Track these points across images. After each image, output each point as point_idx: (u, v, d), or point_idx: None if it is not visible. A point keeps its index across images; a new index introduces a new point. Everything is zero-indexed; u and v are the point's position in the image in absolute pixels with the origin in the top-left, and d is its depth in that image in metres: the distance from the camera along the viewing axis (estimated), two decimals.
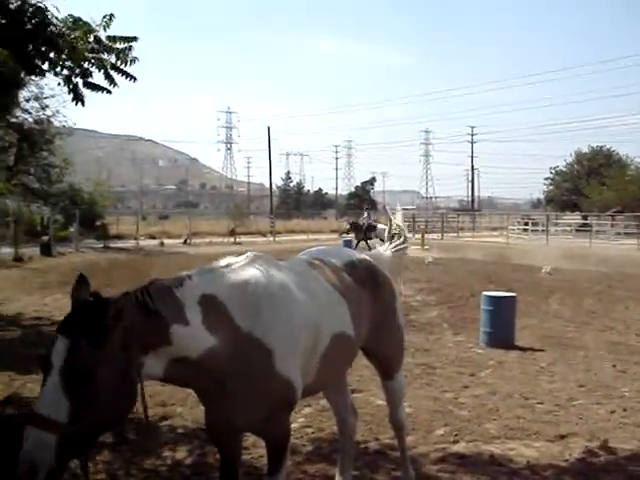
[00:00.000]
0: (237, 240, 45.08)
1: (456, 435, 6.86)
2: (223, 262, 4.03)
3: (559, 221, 58.73)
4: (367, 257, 5.23)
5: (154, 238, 45.42)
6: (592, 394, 8.48)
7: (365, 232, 36.38)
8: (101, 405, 3.18)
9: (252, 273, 3.97)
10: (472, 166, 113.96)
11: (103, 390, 3.18)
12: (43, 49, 7.34)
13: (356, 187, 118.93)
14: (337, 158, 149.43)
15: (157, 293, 3.52)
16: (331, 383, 5.03)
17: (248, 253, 4.21)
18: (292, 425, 7.00)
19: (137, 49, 7.37)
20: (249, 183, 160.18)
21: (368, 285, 4.83)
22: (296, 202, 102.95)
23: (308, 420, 7.26)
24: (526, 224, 54.80)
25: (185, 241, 43.22)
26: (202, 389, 3.93)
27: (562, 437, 6.84)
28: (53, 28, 7.21)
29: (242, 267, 4.00)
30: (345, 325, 4.46)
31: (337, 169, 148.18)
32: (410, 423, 6.65)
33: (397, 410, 5.38)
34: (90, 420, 3.16)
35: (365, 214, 39.45)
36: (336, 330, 4.36)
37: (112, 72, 7.44)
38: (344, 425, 5.48)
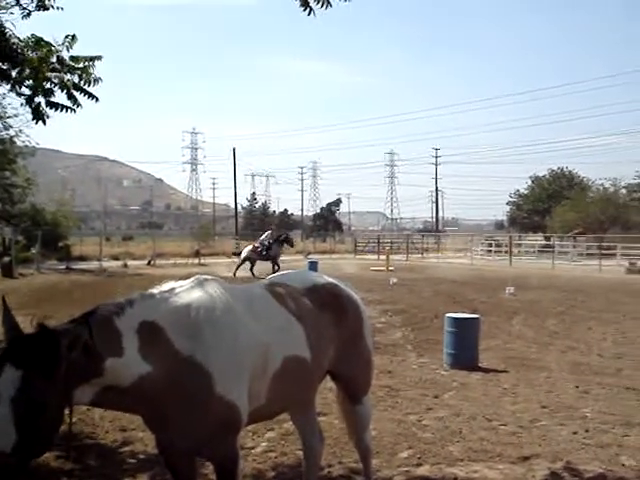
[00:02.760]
0: (202, 261, 44.82)
1: (419, 458, 6.83)
2: (166, 286, 4.04)
3: (522, 242, 59.46)
4: (333, 281, 5.22)
5: (118, 259, 44.90)
6: (555, 415, 8.52)
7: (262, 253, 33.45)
8: (42, 435, 3.20)
9: (195, 297, 4.00)
10: (436, 187, 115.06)
11: (48, 420, 3.20)
12: (4, 67, 7.29)
13: (322, 208, 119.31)
14: (303, 179, 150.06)
15: (97, 325, 3.54)
16: (290, 406, 5.01)
17: (194, 277, 4.22)
18: (255, 450, 7.01)
19: (104, 68, 7.36)
20: (214, 204, 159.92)
21: (331, 308, 4.81)
22: (262, 223, 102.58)
23: (271, 444, 7.20)
24: (490, 245, 55.40)
25: (149, 262, 42.85)
26: (140, 414, 3.95)
27: (525, 459, 6.84)
28: (13, 45, 7.16)
29: (186, 291, 4.02)
30: (300, 348, 4.45)
31: (303, 190, 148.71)
32: (374, 446, 6.62)
33: (364, 434, 5.36)
34: (29, 449, 3.16)
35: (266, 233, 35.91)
36: (289, 353, 4.37)
37: (75, 92, 7.40)
38: (310, 450, 5.45)
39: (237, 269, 32.41)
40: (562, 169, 79.42)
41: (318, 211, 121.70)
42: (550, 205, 69.51)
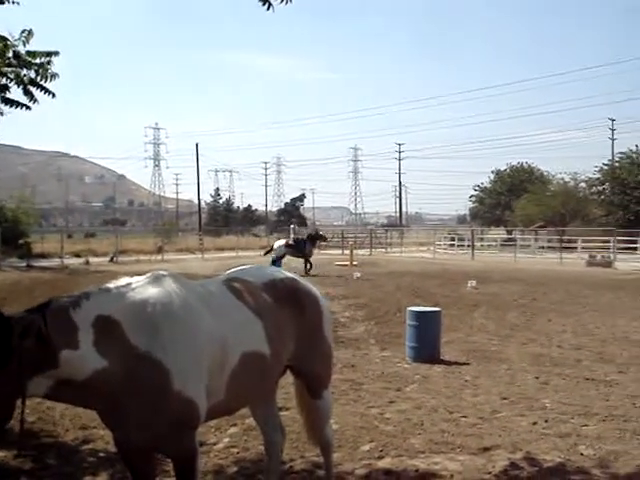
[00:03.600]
0: (165, 258, 44.55)
1: (381, 451, 6.87)
2: (123, 281, 4.01)
3: (484, 236, 60.07)
4: (291, 276, 5.23)
5: (79, 256, 44.39)
6: (515, 406, 8.62)
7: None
8: None
9: (153, 292, 3.97)
10: (400, 182, 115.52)
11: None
12: None
13: (286, 204, 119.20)
14: (266, 175, 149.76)
15: (52, 315, 3.53)
16: (250, 401, 5.01)
17: (151, 272, 4.21)
18: (217, 445, 7.00)
19: (65, 63, 7.28)
20: (177, 200, 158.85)
21: (290, 304, 4.82)
22: (225, 219, 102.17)
23: (233, 440, 7.18)
24: (452, 239, 55.84)
25: (112, 259, 42.45)
26: (96, 409, 3.93)
27: (486, 449, 6.91)
28: None
29: (143, 286, 4.00)
30: (259, 344, 4.45)
31: (267, 186, 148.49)
32: (336, 440, 6.65)
33: (324, 428, 5.38)
34: None
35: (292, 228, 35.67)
36: (248, 349, 4.36)
37: (31, 88, 7.31)
38: (271, 444, 5.46)
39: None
40: (522, 163, 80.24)
41: (282, 206, 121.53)
42: (511, 199, 70.21)
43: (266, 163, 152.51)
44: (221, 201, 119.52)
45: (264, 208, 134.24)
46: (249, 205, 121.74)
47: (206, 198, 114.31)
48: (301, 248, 31.63)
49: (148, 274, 4.19)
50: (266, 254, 33.86)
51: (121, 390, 3.72)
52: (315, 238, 33.27)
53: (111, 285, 3.96)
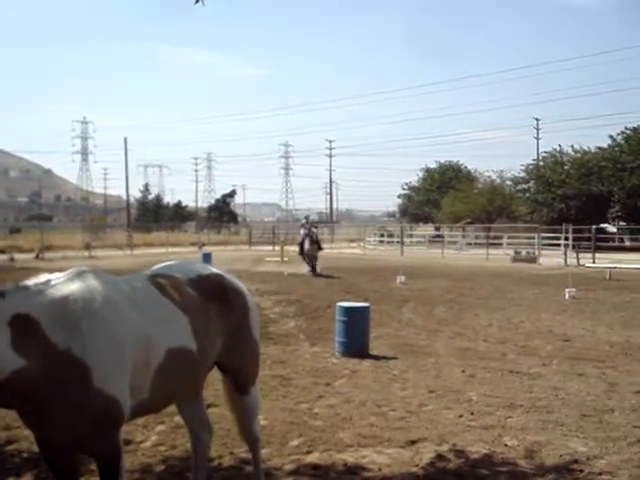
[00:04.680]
0: (93, 254, 43.77)
1: (310, 445, 6.89)
2: (43, 278, 3.92)
3: (413, 232, 60.85)
4: (218, 272, 5.19)
5: (4, 252, 43.23)
6: (442, 399, 8.75)
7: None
8: None
9: (73, 289, 3.89)
10: (330, 179, 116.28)
11: None
12: None
13: (216, 200, 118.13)
14: (197, 170, 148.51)
15: None
16: (176, 398, 4.96)
17: (72, 269, 4.12)
18: (145, 443, 6.92)
19: None
20: (106, 195, 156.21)
21: (216, 299, 4.79)
22: (155, 215, 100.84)
23: (161, 438, 7.10)
24: (382, 235, 56.42)
25: (37, 255, 41.53)
26: (16, 409, 3.84)
27: (413, 442, 7.00)
28: None
29: (63, 283, 3.91)
30: (185, 340, 4.41)
31: (197, 181, 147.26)
32: (265, 436, 6.65)
33: (252, 424, 5.37)
34: None
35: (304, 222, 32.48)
36: (173, 345, 4.32)
37: None
38: (198, 441, 5.42)
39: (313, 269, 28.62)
40: (451, 161, 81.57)
41: (213, 202, 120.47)
42: (440, 197, 71.33)
43: (196, 158, 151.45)
44: (150, 197, 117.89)
45: (194, 204, 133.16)
46: (179, 201, 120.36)
47: (135, 194, 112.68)
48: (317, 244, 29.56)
49: (69, 270, 4.10)
50: (302, 256, 30.11)
51: (41, 390, 3.64)
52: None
53: (30, 282, 3.86)
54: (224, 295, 4.91)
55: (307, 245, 29.19)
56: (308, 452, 6.72)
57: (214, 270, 5.22)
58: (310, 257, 29.16)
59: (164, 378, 4.24)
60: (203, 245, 53.33)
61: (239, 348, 5.01)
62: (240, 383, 5.20)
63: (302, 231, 30.89)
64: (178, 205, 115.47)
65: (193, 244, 55.34)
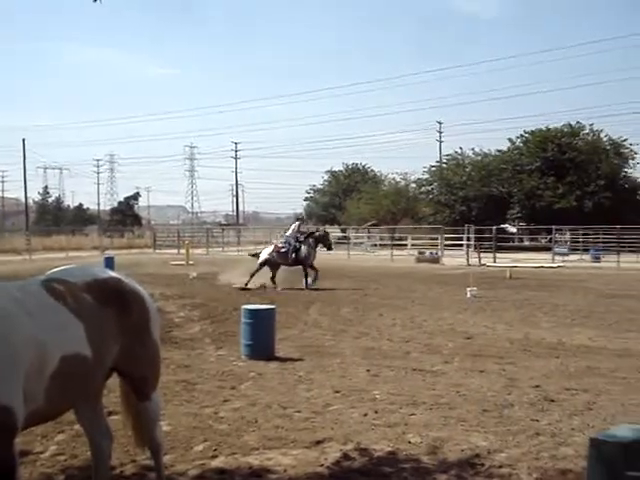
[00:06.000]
0: None
1: (215, 450, 6.81)
2: None
3: None
4: (116, 276, 5.07)
5: None
6: (347, 399, 8.80)
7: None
8: None
9: None
10: (236, 181, 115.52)
11: None
12: None
13: (119, 202, 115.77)
14: (99, 172, 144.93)
15: None
16: (72, 405, 4.82)
17: None
18: (44, 454, 6.69)
19: None
20: (3, 198, 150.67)
21: (113, 304, 4.67)
22: (55, 218, 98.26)
23: (61, 447, 6.87)
24: None
25: None
26: None
27: (318, 442, 7.01)
28: None
29: None
30: (80, 346, 4.28)
31: (99, 184, 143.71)
32: (168, 441, 6.55)
33: (154, 431, 5.27)
34: None
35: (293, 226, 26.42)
36: (68, 351, 4.19)
37: None
38: (98, 450, 5.26)
39: (252, 277, 23.66)
40: (357, 164, 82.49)
41: (116, 205, 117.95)
42: (345, 199, 72.07)
43: (98, 160, 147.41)
44: (50, 200, 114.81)
45: (96, 207, 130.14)
46: (80, 204, 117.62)
47: (34, 196, 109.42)
48: (294, 253, 24.37)
49: None
50: (253, 257, 26.08)
51: None
52: (317, 240, 25.33)
53: None
54: (122, 299, 4.78)
55: (304, 252, 24.39)
56: (213, 456, 6.64)
57: (112, 274, 5.09)
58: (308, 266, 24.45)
59: (59, 385, 4.11)
60: (106, 249, 52.25)
61: (138, 353, 4.89)
62: (140, 389, 5.08)
63: (289, 232, 25.92)
64: (79, 208, 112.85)
65: (95, 248, 54.17)
